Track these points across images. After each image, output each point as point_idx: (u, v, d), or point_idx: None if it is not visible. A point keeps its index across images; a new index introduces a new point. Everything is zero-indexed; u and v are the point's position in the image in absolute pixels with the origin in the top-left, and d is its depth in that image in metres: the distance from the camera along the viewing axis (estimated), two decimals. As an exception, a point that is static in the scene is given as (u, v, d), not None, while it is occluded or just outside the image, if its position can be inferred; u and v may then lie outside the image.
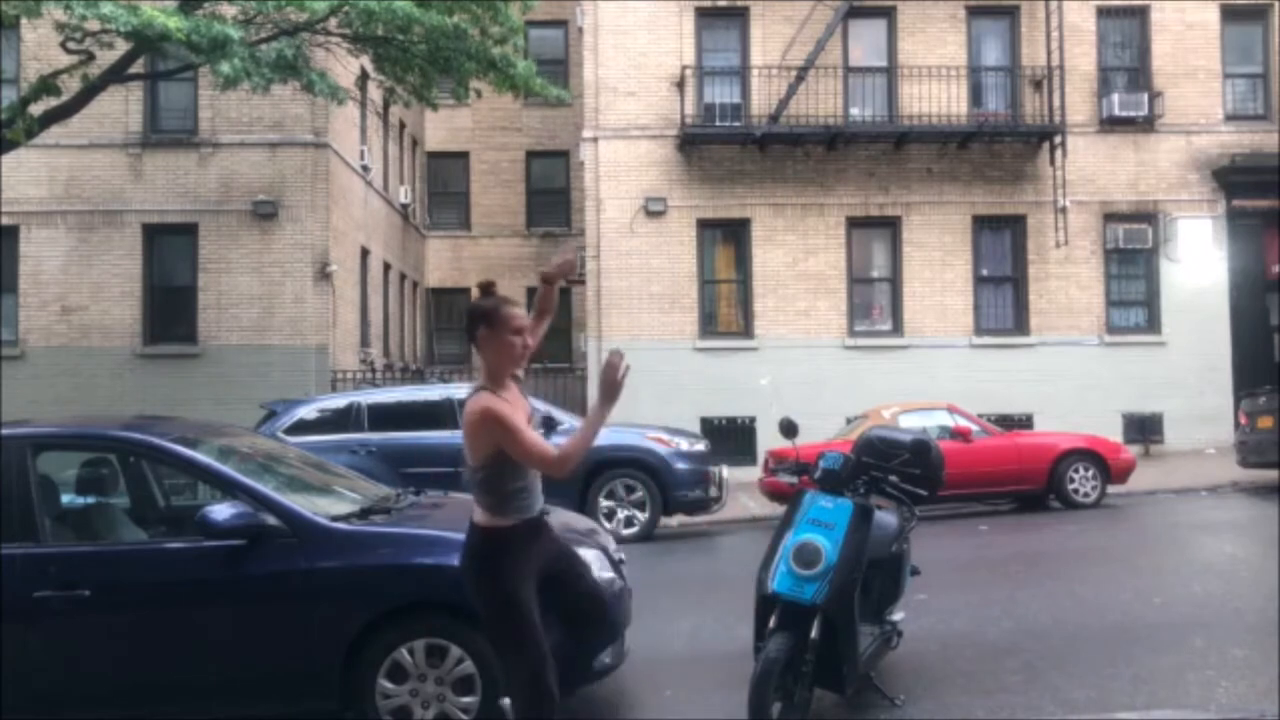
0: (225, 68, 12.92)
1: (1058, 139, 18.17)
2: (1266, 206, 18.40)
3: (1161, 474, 15.21)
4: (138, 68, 15.42)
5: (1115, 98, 18.48)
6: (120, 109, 17.69)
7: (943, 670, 5.90)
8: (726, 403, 17.82)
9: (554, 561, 3.92)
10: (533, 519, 3.83)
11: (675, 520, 12.66)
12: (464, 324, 3.90)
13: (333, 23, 14.96)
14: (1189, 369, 18.17)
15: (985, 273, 18.78)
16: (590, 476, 11.76)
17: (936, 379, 17.42)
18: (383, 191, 22.26)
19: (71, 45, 14.12)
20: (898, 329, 18.54)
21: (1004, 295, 18.80)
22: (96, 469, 5.65)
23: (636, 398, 17.27)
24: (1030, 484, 13.00)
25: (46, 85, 13.69)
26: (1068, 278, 18.56)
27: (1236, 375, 18.12)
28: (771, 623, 4.68)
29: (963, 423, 13.31)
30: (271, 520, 4.79)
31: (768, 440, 15.94)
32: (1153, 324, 18.74)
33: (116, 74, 14.56)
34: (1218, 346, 18.43)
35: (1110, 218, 18.72)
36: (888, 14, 18.74)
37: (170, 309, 18.10)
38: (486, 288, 3.84)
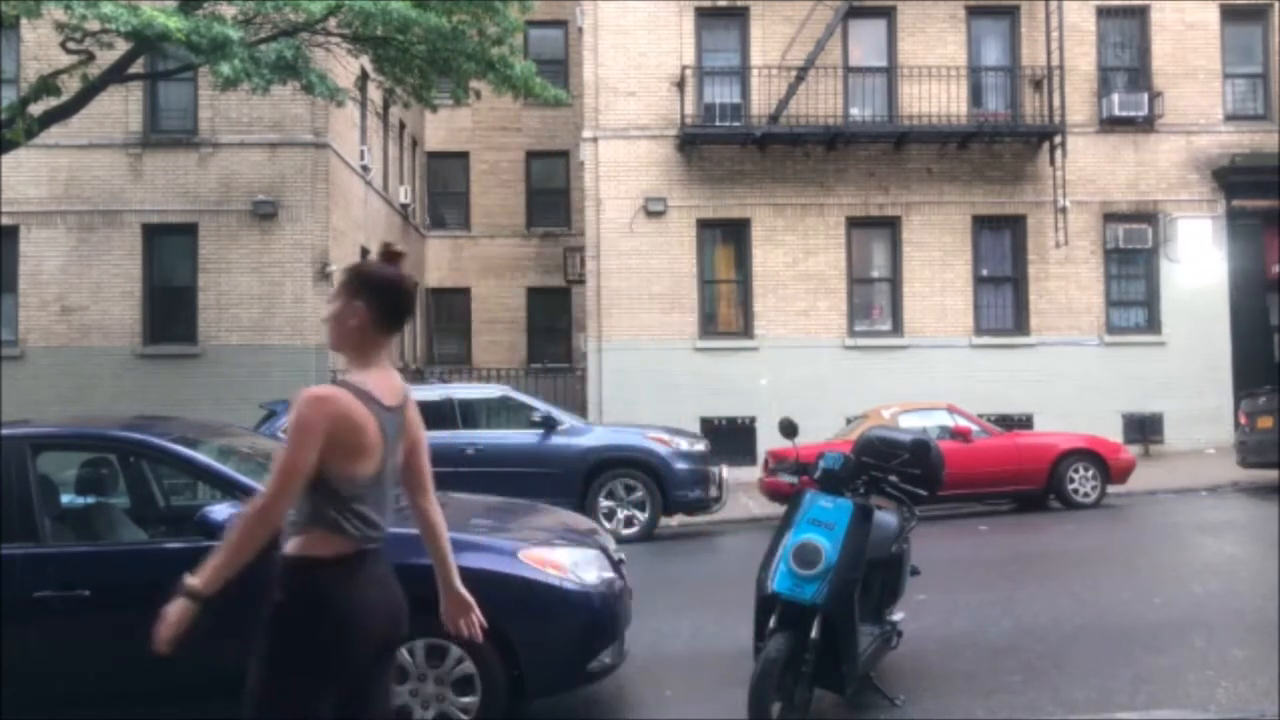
0: (225, 68, 12.92)
1: (1058, 139, 18.16)
2: (1266, 206, 18.39)
3: (1161, 474, 15.20)
4: (138, 68, 15.41)
5: (1115, 98, 18.48)
6: (120, 109, 17.69)
7: (943, 670, 5.91)
8: (726, 403, 17.81)
9: None
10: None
11: (675, 520, 12.66)
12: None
13: (332, 23, 14.96)
14: (1189, 369, 18.17)
15: (985, 273, 18.77)
16: (590, 476, 11.79)
17: (936, 379, 17.41)
18: (383, 191, 22.25)
19: (71, 45, 14.12)
20: (898, 329, 18.53)
21: (1004, 295, 18.79)
22: (96, 469, 5.64)
23: (636, 398, 17.31)
24: (1030, 484, 13.00)
25: (46, 85, 13.69)
26: (1068, 278, 18.56)
27: (1236, 375, 18.11)
28: (771, 623, 4.69)
29: (963, 423, 13.31)
30: (271, 520, 4.78)
31: (768, 440, 15.93)
32: (1153, 324, 18.73)
33: (116, 74, 14.55)
34: (1218, 346, 18.42)
35: (1110, 218, 18.71)
36: (888, 14, 18.74)
37: (170, 309, 18.09)
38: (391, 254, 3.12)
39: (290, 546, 2.90)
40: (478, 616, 3.27)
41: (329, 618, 2.83)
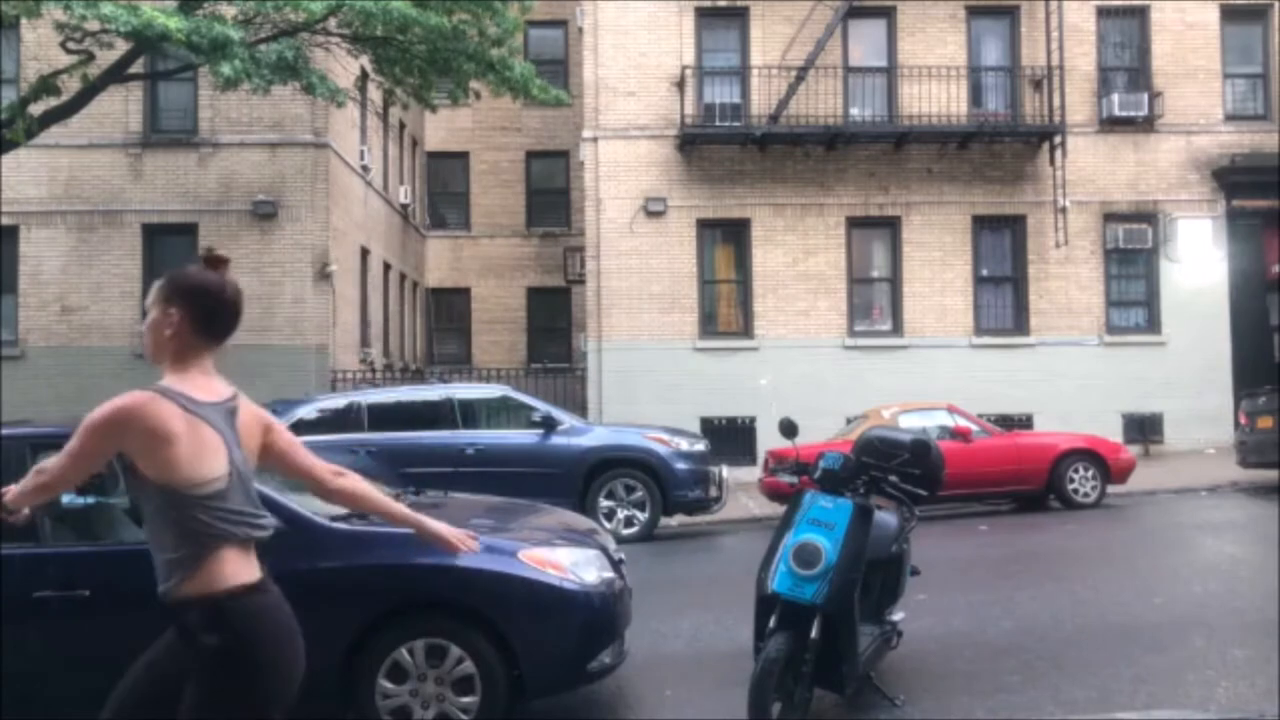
0: (225, 69, 12.92)
1: (1058, 139, 18.16)
2: (1266, 206, 18.40)
3: (1161, 474, 15.20)
4: (138, 68, 15.42)
5: (1115, 98, 18.48)
6: (120, 109, 17.69)
7: (943, 670, 5.91)
8: (726, 403, 17.81)
9: None
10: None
11: (675, 520, 12.66)
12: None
13: (332, 23, 14.96)
14: (1189, 369, 18.16)
15: (985, 273, 18.77)
16: (590, 476, 11.78)
17: (936, 379, 17.41)
18: (383, 191, 22.25)
19: (71, 45, 14.13)
20: (898, 329, 18.53)
21: (1004, 295, 18.79)
22: (96, 469, 5.62)
23: (636, 398, 17.31)
24: (1030, 484, 13.00)
25: (46, 85, 13.69)
26: (1068, 278, 18.56)
27: (1236, 375, 18.11)
28: (771, 623, 4.69)
29: (963, 423, 13.31)
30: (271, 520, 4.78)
31: (768, 440, 15.93)
32: (1153, 324, 18.73)
33: (116, 74, 14.56)
34: (1218, 346, 18.42)
35: (1110, 218, 18.71)
36: (888, 14, 18.74)
37: (170, 309, 18.06)
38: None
39: (194, 586, 2.71)
40: (463, 536, 3.22)
41: (280, 646, 2.73)
